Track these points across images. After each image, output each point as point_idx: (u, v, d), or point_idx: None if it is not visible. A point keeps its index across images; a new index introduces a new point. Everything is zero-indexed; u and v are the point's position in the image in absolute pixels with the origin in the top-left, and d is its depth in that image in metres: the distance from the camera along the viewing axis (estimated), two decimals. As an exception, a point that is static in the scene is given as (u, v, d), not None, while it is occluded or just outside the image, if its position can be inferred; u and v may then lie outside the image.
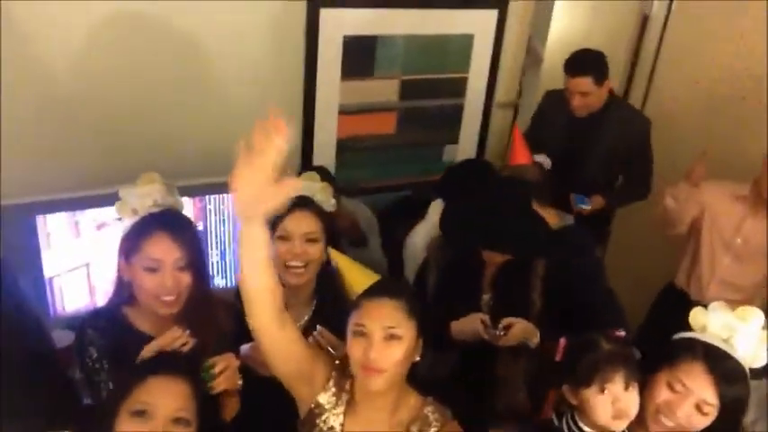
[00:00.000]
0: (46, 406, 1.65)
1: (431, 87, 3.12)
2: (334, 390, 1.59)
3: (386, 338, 1.49)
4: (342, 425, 1.58)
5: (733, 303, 2.66)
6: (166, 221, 1.72)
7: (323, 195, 1.98)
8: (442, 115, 3.21)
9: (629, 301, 3.26)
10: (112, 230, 2.19)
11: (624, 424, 1.66)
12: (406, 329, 1.52)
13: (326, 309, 1.92)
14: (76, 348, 1.71)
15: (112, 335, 1.70)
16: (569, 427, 1.72)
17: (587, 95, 2.86)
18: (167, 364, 1.48)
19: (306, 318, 1.94)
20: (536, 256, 2.13)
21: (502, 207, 2.08)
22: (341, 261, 1.79)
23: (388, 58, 2.95)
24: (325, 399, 1.59)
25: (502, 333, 1.98)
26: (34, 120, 2.35)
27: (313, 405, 1.59)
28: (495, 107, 3.33)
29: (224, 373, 1.58)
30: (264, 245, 1.40)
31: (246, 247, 1.40)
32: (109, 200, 2.11)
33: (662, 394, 1.64)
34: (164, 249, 1.67)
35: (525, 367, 2.13)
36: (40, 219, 2.10)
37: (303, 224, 1.89)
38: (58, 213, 2.14)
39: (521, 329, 2.01)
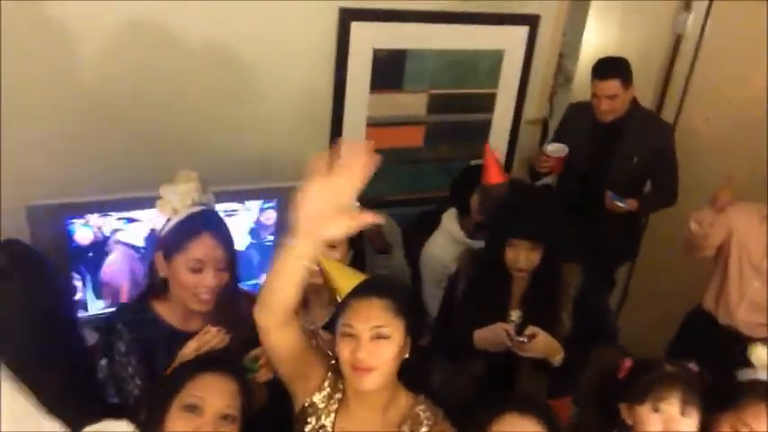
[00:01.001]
0: (75, 405, 1.67)
1: (459, 102, 3.13)
2: (328, 390, 1.60)
3: (373, 338, 1.49)
4: (333, 423, 1.58)
5: (765, 327, 2.67)
6: (210, 222, 1.78)
7: None
8: (469, 130, 3.21)
9: (656, 323, 3.23)
10: (134, 232, 2.25)
11: None
12: (394, 328, 1.52)
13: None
14: (104, 343, 1.75)
15: (141, 329, 1.74)
16: None
17: (615, 98, 2.87)
18: (218, 361, 1.53)
19: (324, 321, 1.97)
20: (564, 251, 2.11)
21: (541, 203, 2.17)
22: (328, 265, 1.80)
23: (418, 71, 2.97)
24: (318, 398, 1.60)
25: (525, 341, 1.96)
26: (65, 123, 2.41)
27: (306, 404, 1.60)
28: (524, 124, 3.33)
29: (266, 364, 1.63)
30: (306, 266, 1.38)
31: (288, 263, 1.38)
32: (136, 203, 2.21)
33: None
34: (208, 250, 1.72)
35: (548, 384, 2.11)
36: (69, 221, 2.15)
37: None
38: (86, 216, 2.18)
39: (544, 342, 1.99)
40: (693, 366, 1.69)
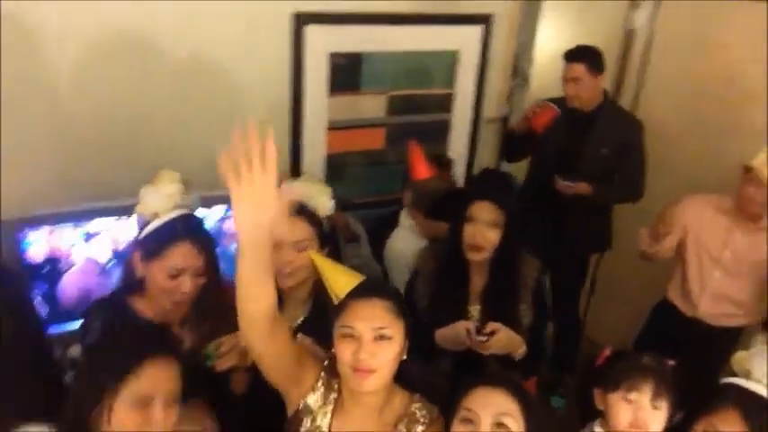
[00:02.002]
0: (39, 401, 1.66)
1: (418, 103, 3.15)
2: (322, 390, 1.59)
3: (376, 339, 1.48)
4: (329, 425, 1.57)
5: (731, 318, 2.69)
6: (190, 228, 1.76)
7: (320, 199, 1.99)
8: (430, 130, 3.23)
9: (624, 315, 3.26)
10: (98, 246, 2.22)
11: None
12: (396, 330, 1.51)
13: (323, 310, 1.91)
14: (80, 331, 1.74)
15: (115, 322, 1.72)
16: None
17: (580, 82, 2.94)
18: (155, 343, 1.45)
19: (301, 318, 1.95)
20: (521, 234, 2.12)
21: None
22: (322, 263, 1.79)
23: (375, 74, 2.98)
24: (313, 399, 1.58)
25: (485, 339, 1.94)
26: (34, 135, 2.38)
27: (301, 406, 1.58)
28: (484, 122, 3.36)
29: (229, 352, 1.62)
30: (266, 256, 1.36)
31: (248, 259, 1.35)
32: (99, 213, 2.19)
33: None
34: (187, 257, 1.71)
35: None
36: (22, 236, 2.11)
37: (293, 232, 1.89)
38: (41, 229, 2.14)
39: (505, 337, 1.97)
40: (670, 361, 1.71)
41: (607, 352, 1.76)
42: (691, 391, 1.67)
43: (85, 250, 2.22)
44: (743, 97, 3.07)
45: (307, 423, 1.57)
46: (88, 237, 2.22)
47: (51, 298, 2.21)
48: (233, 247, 2.46)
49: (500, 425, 1.43)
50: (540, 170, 3.16)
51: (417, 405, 1.58)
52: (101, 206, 2.23)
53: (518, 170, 3.37)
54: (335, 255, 2.11)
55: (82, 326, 1.76)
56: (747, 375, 1.63)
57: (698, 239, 2.72)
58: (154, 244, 1.72)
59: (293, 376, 1.58)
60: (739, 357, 1.66)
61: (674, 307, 2.84)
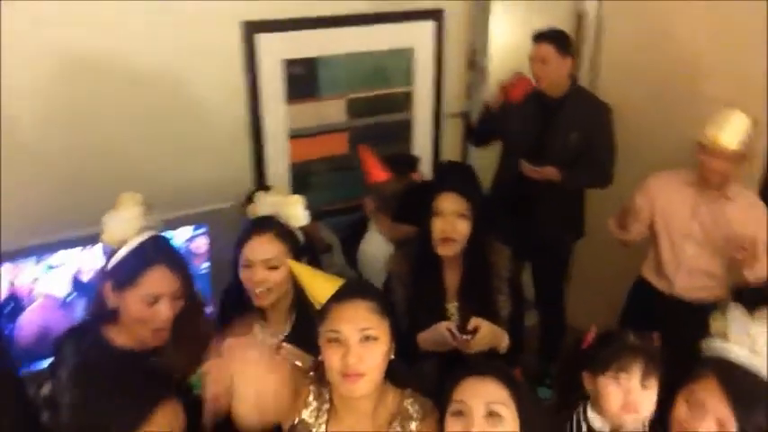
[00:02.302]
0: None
1: (378, 104, 3.12)
2: (315, 404, 1.56)
3: (362, 341, 1.45)
4: None
5: (707, 291, 2.70)
6: (161, 251, 1.69)
7: (294, 210, 1.95)
8: (392, 130, 3.21)
9: (602, 300, 3.26)
10: (55, 280, 2.13)
11: (633, 420, 1.61)
12: (382, 330, 1.49)
13: (307, 321, 1.84)
14: (51, 366, 1.66)
15: (89, 353, 1.64)
16: (577, 417, 1.69)
17: (547, 63, 2.93)
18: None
19: (286, 332, 1.91)
20: (490, 223, 2.11)
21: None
22: (300, 271, 1.74)
23: (332, 78, 2.94)
24: (307, 414, 1.55)
25: (469, 338, 1.90)
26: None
27: (296, 421, 1.55)
28: (447, 118, 3.34)
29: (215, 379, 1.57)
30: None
31: None
32: (54, 247, 2.10)
33: (682, 412, 1.60)
34: (163, 282, 1.64)
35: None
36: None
37: (262, 251, 1.85)
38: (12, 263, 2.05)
39: (489, 333, 1.93)
40: (656, 338, 1.69)
41: (593, 334, 1.74)
42: (672, 368, 1.66)
43: (46, 285, 2.13)
44: (697, 72, 3.11)
45: None
46: (51, 270, 2.13)
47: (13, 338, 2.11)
48: (203, 266, 2.40)
49: (492, 414, 1.41)
50: (509, 158, 3.14)
51: (409, 401, 1.56)
52: (62, 238, 2.13)
53: (484, 167, 3.35)
54: (315, 265, 2.05)
55: (54, 358, 1.67)
56: (724, 337, 1.63)
57: (666, 216, 2.73)
58: (126, 272, 1.64)
59: (290, 409, 1.56)
60: (716, 319, 1.66)
61: (651, 285, 2.84)
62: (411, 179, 2.79)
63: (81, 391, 1.58)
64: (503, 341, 1.98)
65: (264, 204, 1.99)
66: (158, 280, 1.64)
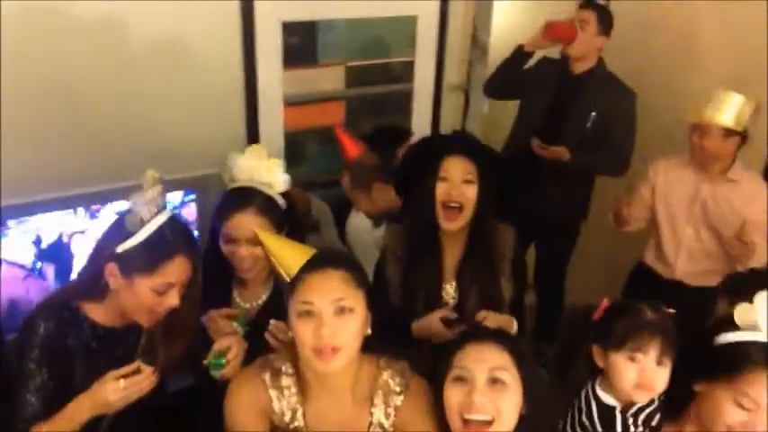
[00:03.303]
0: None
1: (378, 73, 3.02)
2: (283, 402, 1.48)
3: (336, 313, 1.37)
4: (303, 417, 1.47)
5: (709, 275, 2.65)
6: (182, 239, 1.59)
7: (271, 176, 1.86)
8: (391, 102, 3.10)
9: (602, 281, 3.22)
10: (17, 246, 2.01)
11: (645, 397, 1.56)
12: (356, 300, 1.41)
13: (284, 287, 1.79)
14: (23, 341, 1.56)
15: (65, 329, 1.56)
16: (586, 394, 1.63)
17: (585, 29, 2.86)
18: None
19: (264, 297, 1.88)
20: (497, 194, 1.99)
21: None
22: (268, 242, 1.66)
23: (331, 44, 2.83)
24: (278, 407, 1.48)
25: (464, 328, 1.76)
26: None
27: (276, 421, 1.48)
28: (447, 90, 3.25)
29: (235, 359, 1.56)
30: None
31: None
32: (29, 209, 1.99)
33: (733, 414, 1.48)
34: (181, 273, 1.56)
35: None
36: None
37: (245, 229, 1.79)
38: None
39: (495, 323, 1.79)
40: (671, 311, 1.62)
41: (606, 304, 1.65)
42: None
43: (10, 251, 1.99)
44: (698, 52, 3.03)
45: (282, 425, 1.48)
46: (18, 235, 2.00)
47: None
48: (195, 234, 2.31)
49: (495, 380, 1.38)
50: (523, 132, 3.05)
51: (388, 372, 1.49)
52: (45, 198, 2.02)
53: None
54: (296, 235, 1.97)
55: (26, 330, 1.56)
56: (754, 327, 1.53)
57: (667, 200, 2.69)
58: (143, 260, 1.53)
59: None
60: (742, 310, 1.55)
61: (651, 270, 2.81)
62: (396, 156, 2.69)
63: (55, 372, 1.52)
64: (511, 329, 1.87)
65: (240, 169, 1.90)
66: (177, 270, 1.55)
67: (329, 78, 2.89)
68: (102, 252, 1.57)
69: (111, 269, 1.55)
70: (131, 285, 1.54)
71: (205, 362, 1.59)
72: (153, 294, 1.54)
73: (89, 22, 2.27)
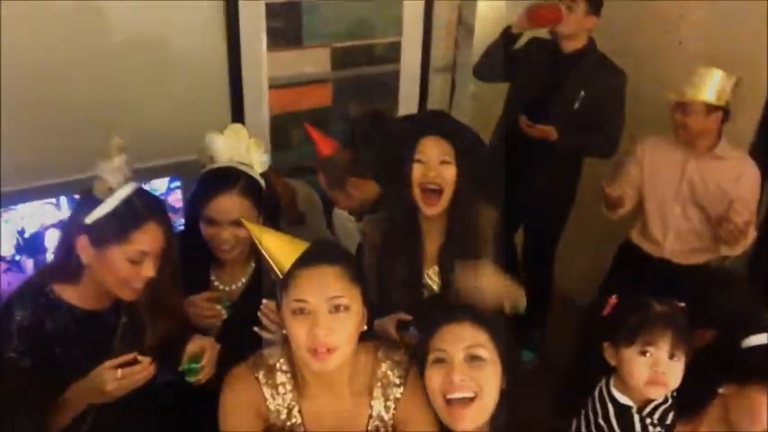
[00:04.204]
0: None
1: (364, 54, 2.96)
2: (271, 391, 1.45)
3: (332, 311, 1.33)
4: (300, 413, 1.44)
5: (697, 253, 2.66)
6: (153, 207, 1.56)
7: (251, 155, 1.85)
8: (378, 84, 3.05)
9: (590, 259, 3.21)
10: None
11: (659, 393, 1.54)
12: (352, 297, 1.36)
13: (266, 270, 1.80)
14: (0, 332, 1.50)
15: (42, 315, 1.52)
16: (600, 394, 1.61)
17: (576, 8, 2.80)
18: None
19: (243, 280, 1.88)
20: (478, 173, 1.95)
21: None
22: (259, 234, 1.62)
23: (316, 24, 2.76)
24: (273, 406, 1.45)
25: (415, 334, 1.71)
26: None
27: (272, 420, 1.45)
28: (433, 72, 3.20)
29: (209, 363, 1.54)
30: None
31: None
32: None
33: None
34: (153, 240, 1.53)
35: None
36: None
37: (227, 211, 1.78)
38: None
39: (495, 282, 1.75)
40: (680, 304, 1.60)
41: (613, 300, 1.64)
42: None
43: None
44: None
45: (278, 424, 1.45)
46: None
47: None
48: (179, 222, 2.26)
49: (473, 357, 1.38)
50: (512, 113, 3.01)
51: (386, 364, 1.46)
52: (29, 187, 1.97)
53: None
54: (272, 219, 1.96)
55: (3, 320, 1.51)
56: None
57: (655, 179, 2.68)
58: (114, 228, 1.50)
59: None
60: None
61: (638, 248, 2.80)
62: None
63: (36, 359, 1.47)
64: (520, 297, 1.84)
65: (220, 149, 1.88)
66: (149, 237, 1.52)
67: (315, 60, 2.83)
68: (72, 228, 1.54)
69: (82, 242, 1.51)
70: (105, 257, 1.51)
71: (180, 369, 1.56)
72: (127, 264, 1.51)
73: (71, 6, 2.19)
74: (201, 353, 1.57)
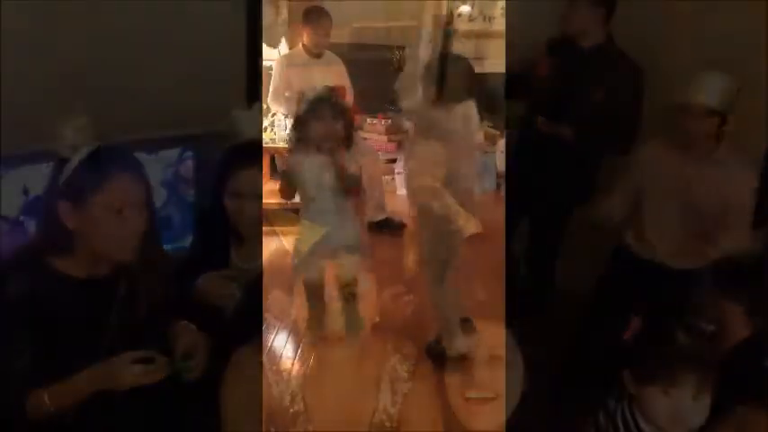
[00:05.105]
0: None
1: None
2: (275, 377, 1.44)
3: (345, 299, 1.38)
4: (304, 400, 1.41)
5: (693, 256, 2.62)
6: (124, 159, 1.53)
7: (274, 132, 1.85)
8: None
9: (584, 262, 3.18)
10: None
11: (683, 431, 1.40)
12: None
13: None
14: None
15: (38, 288, 1.49)
16: (623, 415, 1.48)
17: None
18: None
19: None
20: None
21: None
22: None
23: None
24: (276, 392, 1.43)
25: None
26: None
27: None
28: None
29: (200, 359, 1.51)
30: None
31: None
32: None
33: None
34: (130, 188, 1.49)
35: None
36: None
37: (253, 184, 1.79)
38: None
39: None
40: (709, 327, 1.44)
41: (637, 323, 1.51)
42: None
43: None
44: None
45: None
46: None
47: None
48: (190, 193, 2.27)
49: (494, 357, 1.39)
50: (530, 113, 2.99)
51: (396, 357, 1.42)
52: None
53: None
54: None
55: None
56: None
57: (653, 181, 2.62)
58: (87, 179, 1.47)
59: None
60: None
61: (632, 252, 2.77)
62: None
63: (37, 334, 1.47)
64: (460, 219, 1.89)
65: (246, 124, 1.88)
66: (124, 184, 1.49)
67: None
68: (51, 197, 1.51)
69: (64, 207, 1.48)
70: (87, 215, 1.48)
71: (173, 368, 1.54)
72: (111, 216, 1.48)
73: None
74: (194, 350, 1.55)
